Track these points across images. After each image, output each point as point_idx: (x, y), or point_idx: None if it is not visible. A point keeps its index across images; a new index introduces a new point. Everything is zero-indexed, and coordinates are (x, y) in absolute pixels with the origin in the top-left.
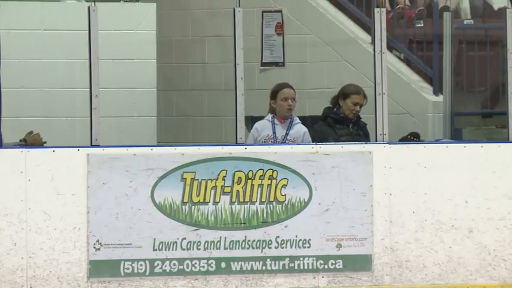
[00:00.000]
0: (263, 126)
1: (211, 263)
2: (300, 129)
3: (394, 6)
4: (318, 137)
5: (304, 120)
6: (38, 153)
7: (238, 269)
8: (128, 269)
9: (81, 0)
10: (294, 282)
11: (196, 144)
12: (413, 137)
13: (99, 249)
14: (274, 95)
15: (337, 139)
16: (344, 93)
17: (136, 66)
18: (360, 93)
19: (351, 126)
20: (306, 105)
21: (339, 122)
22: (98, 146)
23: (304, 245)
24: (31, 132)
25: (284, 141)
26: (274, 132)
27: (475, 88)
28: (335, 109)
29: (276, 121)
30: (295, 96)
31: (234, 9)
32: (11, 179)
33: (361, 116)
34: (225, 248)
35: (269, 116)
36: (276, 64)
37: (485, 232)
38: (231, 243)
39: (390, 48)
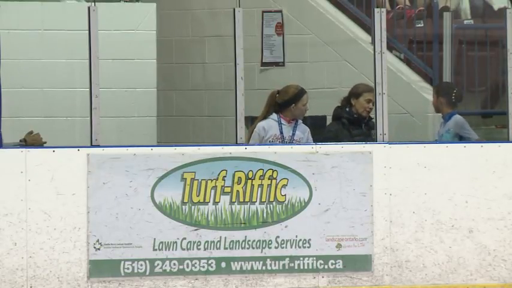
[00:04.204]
0: (270, 126)
1: (211, 263)
2: (304, 129)
3: (394, 6)
4: (332, 137)
5: (304, 120)
6: (38, 153)
7: (238, 269)
8: (128, 268)
9: (81, 0)
10: (294, 282)
11: (196, 144)
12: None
13: (99, 249)
14: (297, 99)
15: (352, 139)
16: (356, 93)
17: (136, 66)
18: (371, 91)
19: (363, 126)
20: None
21: (353, 123)
22: (98, 146)
23: (304, 245)
24: (31, 132)
25: (291, 141)
26: (281, 133)
27: (475, 88)
28: (347, 109)
29: (282, 121)
30: None
31: (234, 9)
32: (11, 179)
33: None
34: (225, 248)
35: (274, 116)
36: (276, 64)
37: (485, 232)
38: (231, 243)
39: (390, 48)
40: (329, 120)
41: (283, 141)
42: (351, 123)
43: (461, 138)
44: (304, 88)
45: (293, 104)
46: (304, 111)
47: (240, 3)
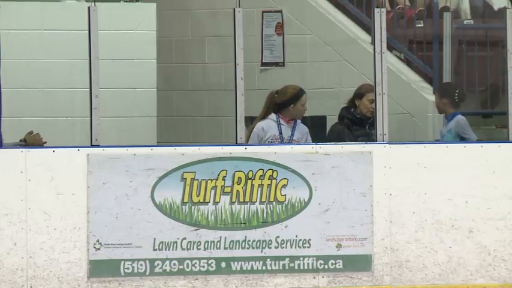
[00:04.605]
0: (269, 126)
1: (212, 263)
2: (303, 129)
3: (394, 6)
4: (334, 137)
5: (304, 120)
6: (38, 153)
7: (238, 269)
8: (128, 268)
9: (81, 0)
10: (294, 282)
11: (196, 144)
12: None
13: (99, 249)
14: (295, 99)
15: (354, 140)
16: (359, 93)
17: (136, 66)
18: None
19: (367, 127)
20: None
21: (356, 123)
22: (98, 146)
23: (304, 245)
24: (31, 132)
25: (290, 142)
26: (280, 133)
27: (475, 88)
28: (352, 110)
29: (281, 121)
30: None
31: (234, 9)
32: (11, 179)
33: None
34: (225, 248)
35: (273, 116)
36: (276, 64)
37: (485, 232)
38: (231, 243)
39: (390, 48)
40: (329, 120)
41: (282, 141)
42: (354, 123)
43: (462, 139)
44: (305, 88)
45: (292, 105)
46: (302, 112)
47: (240, 3)
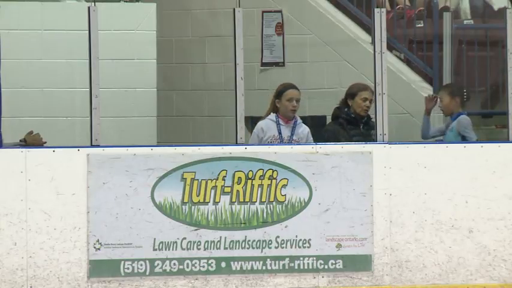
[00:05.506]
0: (268, 126)
1: (212, 262)
2: (304, 129)
3: (394, 6)
4: (330, 137)
5: (304, 120)
6: (38, 153)
7: (238, 268)
8: (128, 268)
9: (81, 0)
10: (294, 282)
11: (196, 144)
12: None
13: (99, 249)
14: (279, 94)
15: (350, 139)
16: (351, 93)
17: (136, 66)
18: (367, 89)
19: (361, 126)
20: (306, 105)
21: (350, 123)
22: (98, 146)
23: (304, 245)
24: (31, 132)
25: (290, 142)
26: (280, 133)
27: (475, 88)
28: (345, 109)
29: (280, 121)
30: (299, 97)
31: (234, 9)
32: (11, 179)
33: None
34: (225, 248)
35: (273, 116)
36: (276, 64)
37: (485, 232)
38: (231, 243)
39: (390, 48)
40: (329, 120)
41: (281, 141)
42: (349, 123)
43: (463, 138)
44: (304, 88)
45: (277, 100)
46: (290, 108)
47: (240, 3)
